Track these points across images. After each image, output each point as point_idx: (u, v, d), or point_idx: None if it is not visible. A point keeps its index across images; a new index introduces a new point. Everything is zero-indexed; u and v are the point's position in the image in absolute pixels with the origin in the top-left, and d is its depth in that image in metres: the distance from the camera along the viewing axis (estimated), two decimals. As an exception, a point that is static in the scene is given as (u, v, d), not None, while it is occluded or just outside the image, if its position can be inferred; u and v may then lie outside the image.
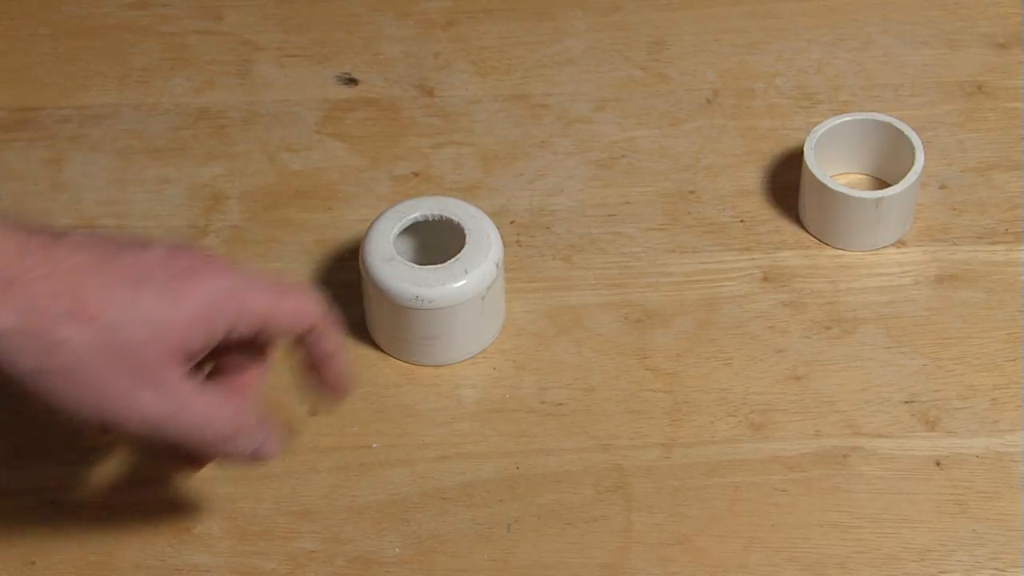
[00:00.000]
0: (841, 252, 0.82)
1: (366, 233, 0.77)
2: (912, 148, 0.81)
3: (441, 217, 0.78)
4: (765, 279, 0.81)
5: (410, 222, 0.78)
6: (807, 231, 0.83)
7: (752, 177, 0.86)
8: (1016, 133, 0.87)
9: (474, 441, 0.76)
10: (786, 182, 0.85)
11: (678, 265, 0.82)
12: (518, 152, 0.88)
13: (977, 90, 0.89)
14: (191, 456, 0.67)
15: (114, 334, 0.60)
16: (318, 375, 0.68)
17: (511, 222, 0.84)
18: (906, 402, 0.76)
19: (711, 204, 0.85)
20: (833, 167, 0.84)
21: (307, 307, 0.66)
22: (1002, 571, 0.70)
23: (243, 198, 0.86)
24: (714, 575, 0.71)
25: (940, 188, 0.85)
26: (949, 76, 0.90)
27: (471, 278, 0.75)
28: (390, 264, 0.76)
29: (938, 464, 0.74)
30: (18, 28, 0.95)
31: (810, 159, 0.81)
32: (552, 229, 0.84)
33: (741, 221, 0.84)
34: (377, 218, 0.78)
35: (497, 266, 0.76)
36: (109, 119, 0.90)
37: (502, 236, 0.78)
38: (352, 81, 0.91)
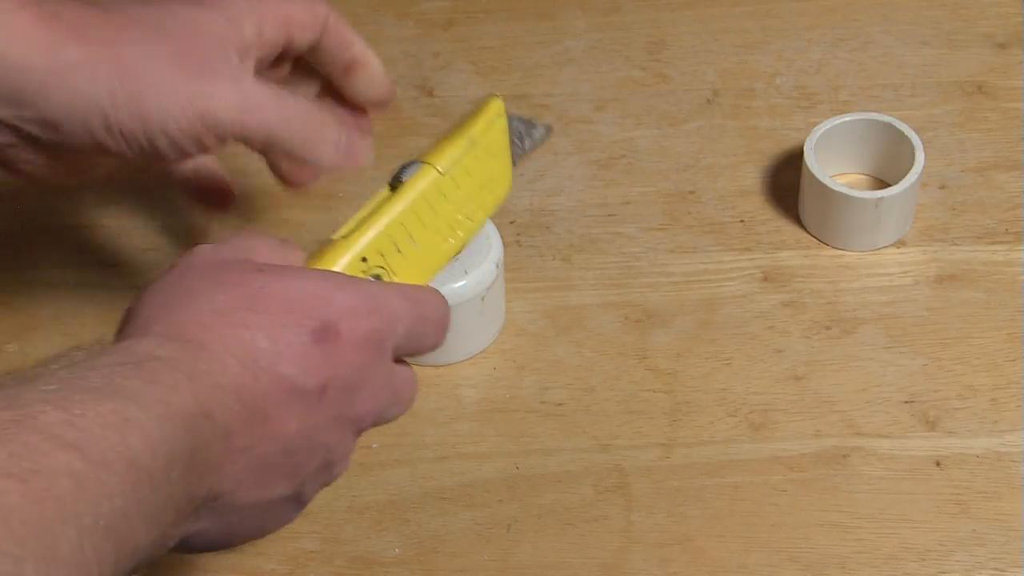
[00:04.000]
0: (841, 252, 0.82)
1: None
2: (912, 148, 0.81)
3: None
4: (765, 279, 0.81)
5: None
6: (807, 231, 0.83)
7: (752, 177, 0.86)
8: (1016, 133, 0.87)
9: (474, 441, 0.76)
10: (786, 182, 0.85)
11: (678, 265, 0.82)
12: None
13: (977, 90, 0.89)
14: (223, 191, 0.71)
15: (165, 34, 0.62)
16: (357, 87, 0.69)
17: (511, 222, 0.84)
18: (906, 402, 0.76)
19: (711, 204, 0.85)
20: (833, 167, 0.84)
21: (315, 4, 0.67)
22: (1002, 571, 0.70)
23: (243, 198, 0.86)
24: (714, 575, 0.71)
25: (940, 188, 0.85)
26: (949, 76, 0.90)
27: (471, 279, 0.75)
28: None
29: (938, 464, 0.74)
30: (18, 28, 0.95)
31: (810, 159, 0.81)
32: (552, 229, 0.84)
33: (741, 221, 0.84)
34: None
35: (497, 266, 0.76)
36: (109, 119, 0.90)
37: (502, 236, 0.78)
38: (352, 81, 0.91)
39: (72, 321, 0.81)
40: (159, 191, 0.87)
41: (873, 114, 0.83)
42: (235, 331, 0.53)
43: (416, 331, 0.59)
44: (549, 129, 0.71)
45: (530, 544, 0.72)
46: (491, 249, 0.76)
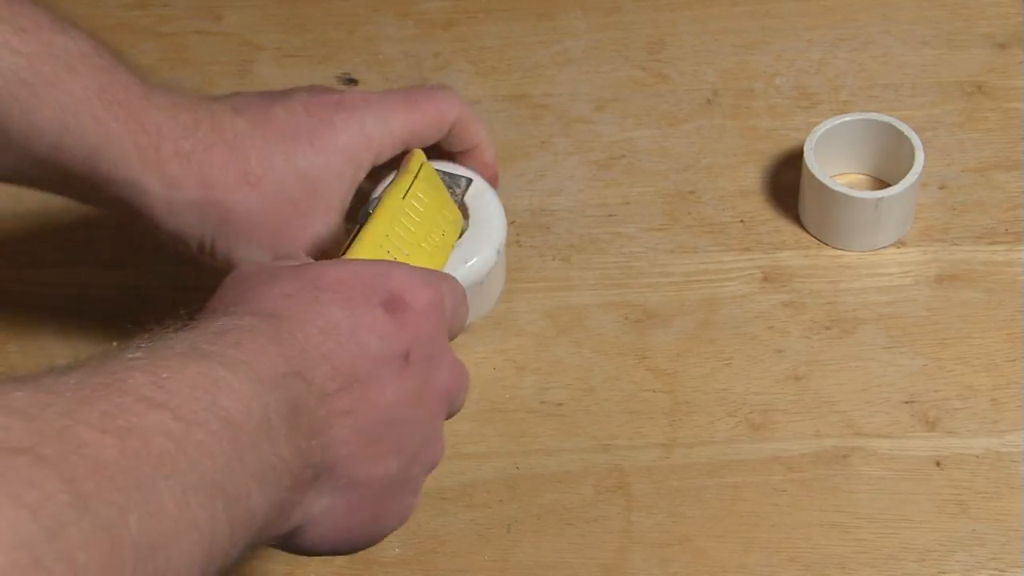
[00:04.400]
0: (841, 252, 0.82)
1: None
2: (912, 148, 0.81)
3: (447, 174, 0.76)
4: (765, 279, 0.81)
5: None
6: (807, 231, 0.83)
7: (752, 177, 0.86)
8: (1016, 133, 0.87)
9: (474, 441, 0.76)
10: (786, 182, 0.85)
11: (678, 265, 0.82)
12: (518, 152, 0.88)
13: (977, 90, 0.89)
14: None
15: (278, 193, 0.68)
16: (466, 165, 0.74)
17: (511, 222, 0.84)
18: (906, 402, 0.76)
19: (711, 204, 0.85)
20: (833, 167, 0.84)
21: (444, 109, 0.73)
22: (1002, 571, 0.70)
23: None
24: (714, 575, 0.71)
25: (940, 188, 0.85)
26: (949, 76, 0.90)
27: (470, 266, 0.74)
28: None
29: (938, 464, 0.74)
30: (18, 28, 0.95)
31: (810, 159, 0.81)
32: (552, 229, 0.84)
33: (741, 221, 0.84)
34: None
35: (498, 252, 0.75)
36: (109, 119, 0.90)
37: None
38: (352, 81, 0.91)
39: (72, 321, 0.81)
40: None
41: (873, 114, 0.83)
42: (310, 307, 0.55)
43: (456, 308, 0.61)
44: (470, 181, 0.75)
45: (530, 544, 0.72)
46: (492, 234, 0.75)
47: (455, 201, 0.73)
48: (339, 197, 0.71)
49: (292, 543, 0.56)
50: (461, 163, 0.76)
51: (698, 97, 0.90)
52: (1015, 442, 0.74)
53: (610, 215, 0.85)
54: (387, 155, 0.72)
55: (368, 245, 0.66)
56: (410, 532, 0.72)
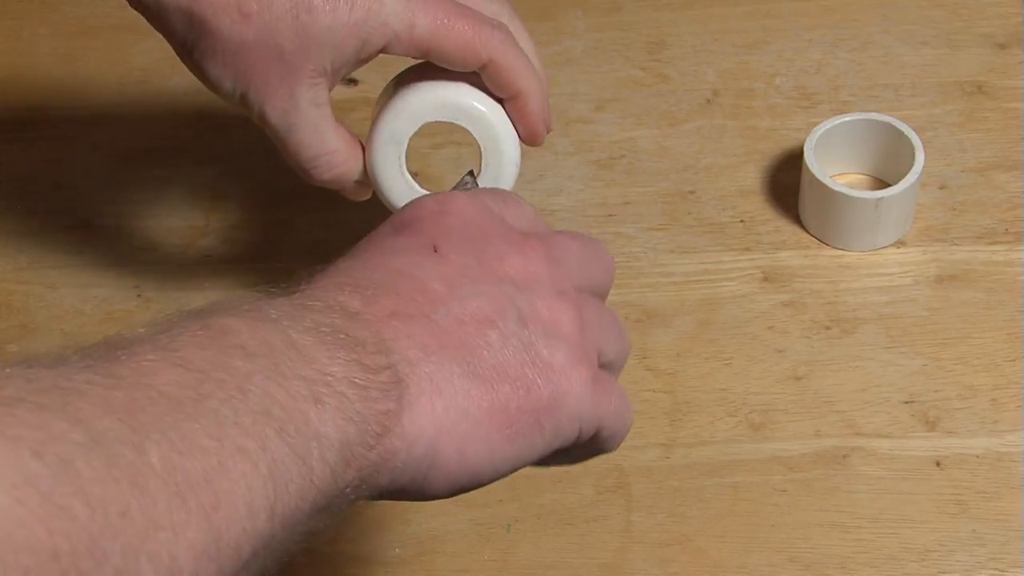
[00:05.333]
0: (841, 252, 0.82)
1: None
2: (912, 148, 0.81)
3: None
4: (765, 279, 0.81)
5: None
6: (807, 231, 0.83)
7: (752, 177, 0.86)
8: (1016, 133, 0.87)
9: (474, 441, 0.76)
10: (786, 182, 0.85)
11: (678, 265, 0.82)
12: (518, 152, 0.88)
13: (977, 90, 0.89)
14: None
15: (266, 35, 0.65)
16: (512, 114, 0.68)
17: (511, 222, 0.84)
18: (906, 402, 0.76)
19: (711, 204, 0.85)
20: (833, 167, 0.84)
21: (479, 41, 0.66)
22: (1002, 571, 0.70)
23: (243, 198, 0.86)
24: (714, 575, 0.71)
25: (940, 188, 0.85)
26: (949, 76, 0.90)
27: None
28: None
29: (938, 464, 0.74)
30: (18, 28, 0.96)
31: (810, 159, 0.81)
32: (552, 229, 0.84)
33: (741, 221, 0.84)
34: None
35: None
36: (109, 119, 0.90)
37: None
38: (352, 82, 0.91)
39: (72, 321, 0.81)
40: (159, 191, 0.87)
41: (873, 114, 0.83)
42: (324, 271, 0.53)
43: (506, 206, 0.58)
44: (473, 176, 0.69)
45: (530, 544, 0.72)
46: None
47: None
48: (332, 66, 0.66)
49: (441, 461, 0.51)
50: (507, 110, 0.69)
51: (698, 97, 0.90)
52: (1015, 442, 0.74)
53: (610, 215, 0.85)
54: (399, 52, 0.67)
55: None
56: (410, 532, 0.72)
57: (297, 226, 0.85)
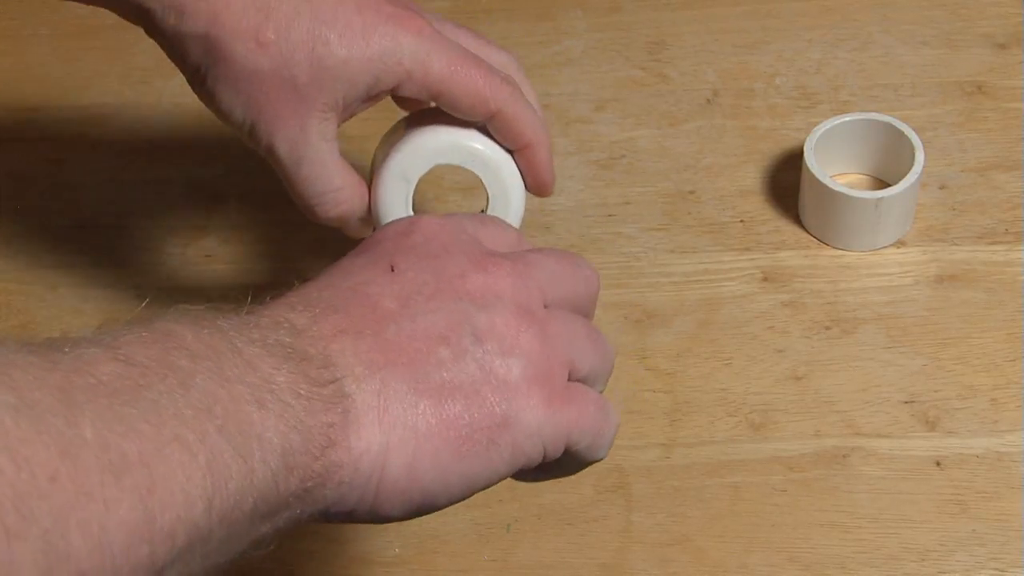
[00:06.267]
0: (841, 252, 0.82)
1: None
2: (912, 148, 0.81)
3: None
4: (765, 279, 0.81)
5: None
6: (807, 231, 0.83)
7: (752, 177, 0.86)
8: (1016, 133, 0.87)
9: (474, 441, 0.76)
10: (786, 182, 0.85)
11: (678, 265, 0.82)
12: (518, 152, 0.88)
13: (977, 90, 0.89)
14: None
15: (281, 65, 0.65)
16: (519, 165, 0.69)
17: (511, 222, 0.84)
18: (906, 402, 0.76)
19: (711, 204, 0.85)
20: (833, 167, 0.84)
21: (489, 90, 0.66)
22: (1002, 571, 0.70)
23: (243, 198, 0.86)
24: (714, 575, 0.71)
25: (940, 188, 0.85)
26: (949, 76, 0.90)
27: None
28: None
29: (938, 464, 0.74)
30: (18, 28, 0.96)
31: (810, 159, 0.81)
32: (552, 229, 0.84)
33: (741, 221, 0.84)
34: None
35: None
36: (109, 119, 0.90)
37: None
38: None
39: (72, 321, 0.81)
40: (159, 191, 0.87)
41: (873, 114, 0.83)
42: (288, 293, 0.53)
43: (483, 227, 0.58)
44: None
45: (530, 544, 0.72)
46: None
47: None
48: (344, 101, 0.66)
49: (389, 478, 0.50)
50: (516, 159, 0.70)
51: (698, 97, 0.90)
52: (1015, 442, 0.74)
53: (610, 215, 0.85)
54: (410, 92, 0.66)
55: None
56: (410, 532, 0.72)
57: (297, 226, 0.85)
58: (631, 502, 0.73)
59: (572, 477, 0.74)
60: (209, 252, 0.84)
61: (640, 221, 0.84)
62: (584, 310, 0.58)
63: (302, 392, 0.48)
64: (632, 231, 0.84)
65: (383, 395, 0.50)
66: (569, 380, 0.55)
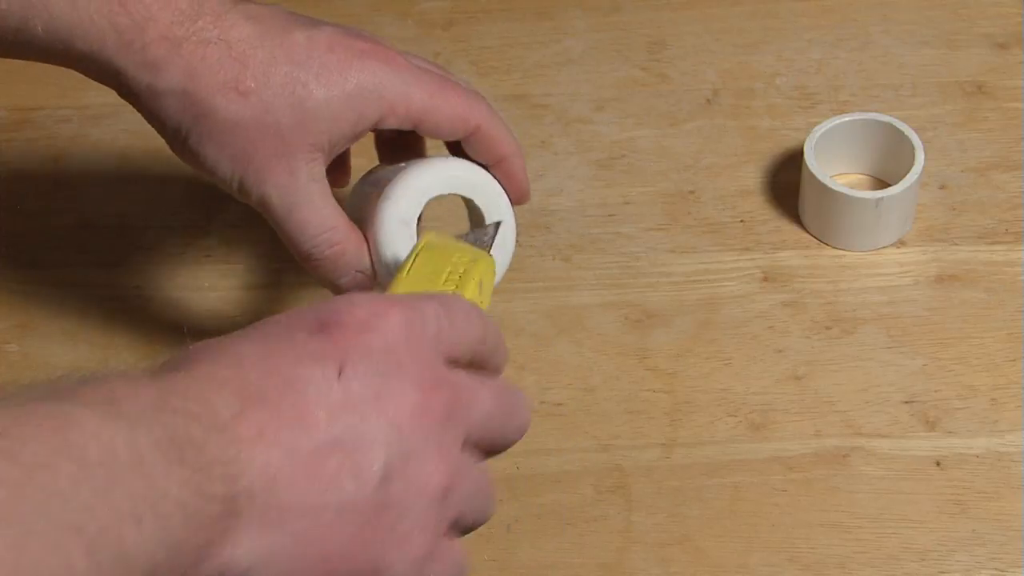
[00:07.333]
0: (841, 252, 0.82)
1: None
2: (912, 148, 0.81)
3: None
4: (765, 279, 0.81)
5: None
6: (807, 231, 0.83)
7: (752, 177, 0.86)
8: (1016, 133, 0.87)
9: (474, 441, 0.76)
10: (786, 182, 0.85)
11: (678, 265, 0.82)
12: (518, 152, 0.88)
13: (977, 90, 0.89)
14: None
15: (264, 112, 0.65)
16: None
17: (511, 222, 0.84)
18: (906, 402, 0.76)
19: (711, 204, 0.85)
20: (833, 167, 0.84)
21: (468, 110, 0.67)
22: (1002, 571, 0.70)
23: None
24: (714, 575, 0.71)
25: (940, 188, 0.85)
26: (949, 76, 0.90)
27: None
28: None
29: (938, 464, 0.74)
30: (18, 28, 0.95)
31: (810, 159, 0.81)
32: (552, 229, 0.84)
33: (741, 221, 0.84)
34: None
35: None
36: (109, 119, 0.90)
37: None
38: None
39: (72, 321, 0.81)
40: (159, 191, 0.87)
41: (873, 114, 0.83)
42: (217, 346, 0.51)
43: (453, 325, 0.55)
44: (497, 225, 0.69)
45: (530, 544, 0.72)
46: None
47: (487, 246, 0.68)
48: (329, 141, 0.66)
49: None
50: (492, 173, 0.70)
51: (698, 97, 0.90)
52: (1015, 442, 0.74)
53: (610, 215, 0.85)
54: (393, 124, 0.67)
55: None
56: (410, 532, 0.72)
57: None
58: (631, 502, 0.73)
59: (572, 477, 0.74)
60: (209, 252, 0.84)
61: (640, 221, 0.84)
62: (502, 449, 0.57)
63: (189, 505, 0.47)
64: (632, 231, 0.84)
65: (270, 516, 0.49)
66: (450, 529, 0.54)
